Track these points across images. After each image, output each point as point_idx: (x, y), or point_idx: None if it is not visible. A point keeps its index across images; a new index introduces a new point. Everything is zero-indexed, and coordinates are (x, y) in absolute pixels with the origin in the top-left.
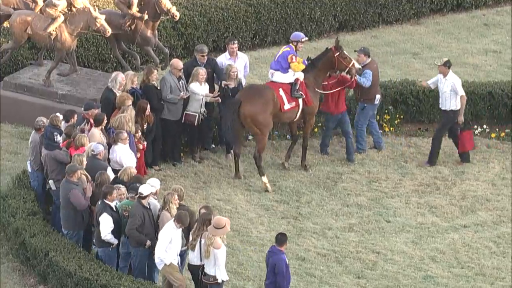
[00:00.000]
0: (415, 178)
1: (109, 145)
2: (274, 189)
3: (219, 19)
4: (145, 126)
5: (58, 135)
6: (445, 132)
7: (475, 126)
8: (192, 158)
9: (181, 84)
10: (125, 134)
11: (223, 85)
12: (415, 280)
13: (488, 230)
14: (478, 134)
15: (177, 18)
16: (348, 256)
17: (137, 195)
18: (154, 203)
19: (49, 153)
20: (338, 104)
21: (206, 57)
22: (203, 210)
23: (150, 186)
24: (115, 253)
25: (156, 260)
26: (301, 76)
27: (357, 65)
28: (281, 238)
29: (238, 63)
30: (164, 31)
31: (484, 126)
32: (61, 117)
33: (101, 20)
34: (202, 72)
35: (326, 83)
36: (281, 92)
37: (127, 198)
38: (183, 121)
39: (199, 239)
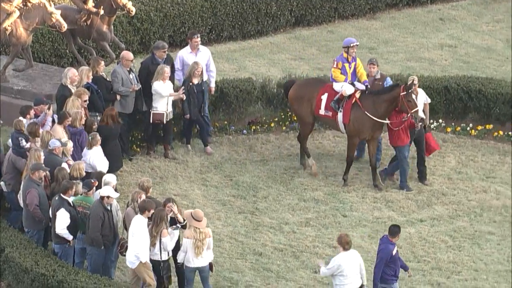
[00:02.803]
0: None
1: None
2: (230, 184)
3: (175, 14)
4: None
5: (24, 140)
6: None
7: (431, 121)
8: (147, 153)
9: (132, 77)
10: (99, 136)
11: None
12: (371, 274)
13: (444, 224)
14: (434, 128)
15: (133, 13)
16: (305, 251)
17: (99, 195)
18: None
19: (12, 155)
20: (407, 135)
21: (166, 53)
22: (167, 203)
23: (110, 188)
24: (71, 249)
25: (130, 258)
26: (347, 90)
27: (421, 114)
28: (393, 230)
29: (200, 57)
30: (120, 26)
31: (440, 121)
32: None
33: (57, 15)
34: (167, 70)
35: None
36: (324, 96)
37: (81, 194)
38: (151, 121)
39: (158, 236)
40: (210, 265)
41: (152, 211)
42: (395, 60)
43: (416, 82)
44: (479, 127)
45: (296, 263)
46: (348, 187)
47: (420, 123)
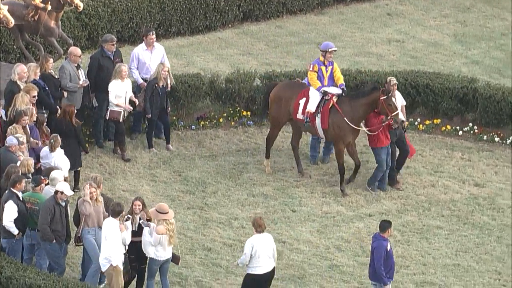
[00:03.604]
0: (320, 168)
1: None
2: (179, 179)
3: (123, 9)
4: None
5: None
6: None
7: None
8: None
9: (80, 72)
10: (59, 138)
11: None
12: (320, 269)
13: (392, 218)
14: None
15: (81, 8)
16: None
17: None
18: (49, 192)
19: None
20: (387, 136)
21: (115, 46)
22: (136, 201)
23: (67, 185)
24: (19, 245)
25: (102, 261)
26: (332, 91)
27: (401, 117)
28: (383, 225)
29: (156, 54)
30: (68, 22)
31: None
32: None
33: (4, 10)
34: (124, 69)
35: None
36: (302, 101)
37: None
38: (108, 118)
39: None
40: (177, 258)
41: (123, 213)
42: (343, 55)
43: (394, 82)
44: (427, 122)
45: None
46: (297, 182)
47: (398, 125)
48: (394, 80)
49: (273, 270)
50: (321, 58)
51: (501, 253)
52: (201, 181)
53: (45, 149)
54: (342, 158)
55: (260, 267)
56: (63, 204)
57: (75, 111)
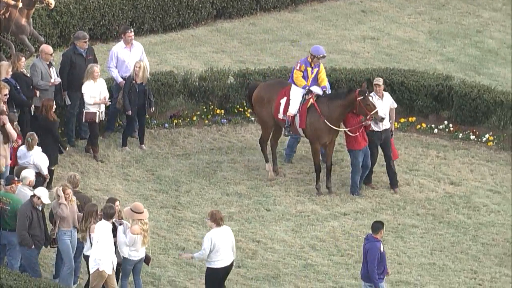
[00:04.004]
0: (294, 166)
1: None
2: (152, 178)
3: (95, 6)
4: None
5: None
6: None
7: None
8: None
9: (51, 70)
10: (36, 136)
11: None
12: (295, 269)
13: (367, 217)
14: None
15: (52, 6)
16: None
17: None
18: (25, 194)
19: None
20: (365, 138)
21: (87, 43)
22: (109, 204)
23: (45, 191)
24: None
25: (91, 262)
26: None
27: (380, 114)
28: (376, 226)
29: (134, 52)
30: (39, 19)
31: None
32: None
33: None
34: (96, 69)
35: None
36: (283, 100)
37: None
38: (84, 120)
39: (88, 232)
40: (148, 258)
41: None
42: None
43: (381, 83)
44: (402, 120)
45: None
46: (271, 180)
47: (378, 122)
48: (381, 81)
49: (232, 263)
50: (309, 59)
51: (476, 252)
52: (175, 180)
53: (22, 148)
54: (318, 157)
55: (220, 261)
56: (40, 208)
57: (54, 106)
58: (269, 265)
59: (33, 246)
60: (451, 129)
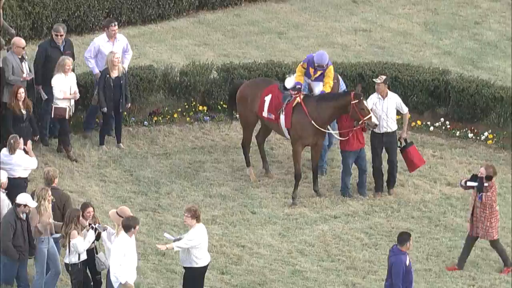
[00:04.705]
0: (281, 167)
1: None
2: (131, 179)
3: None
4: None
5: None
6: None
7: None
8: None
9: (23, 65)
10: (19, 138)
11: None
12: (282, 275)
13: (359, 220)
14: None
15: None
16: (211, 251)
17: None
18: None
19: None
20: (360, 139)
21: (62, 38)
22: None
23: (28, 196)
24: None
25: (112, 278)
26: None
27: (374, 120)
28: (402, 238)
29: (117, 47)
30: (10, 11)
31: None
32: None
33: None
34: (68, 62)
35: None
36: (268, 97)
37: None
38: (52, 116)
39: (68, 238)
40: None
41: (137, 227)
42: (306, 46)
43: (379, 81)
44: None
45: None
46: (257, 181)
47: (371, 128)
48: (382, 79)
49: (209, 263)
50: (313, 67)
51: (475, 257)
52: (154, 181)
53: (4, 151)
54: (299, 161)
55: (203, 259)
56: (24, 216)
57: (23, 95)
58: (255, 272)
59: (18, 257)
60: (448, 126)
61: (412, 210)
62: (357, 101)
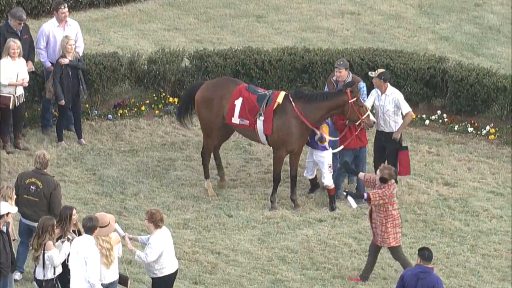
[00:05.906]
0: (261, 165)
1: None
2: (93, 179)
3: None
4: None
5: None
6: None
7: None
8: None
9: None
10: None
11: (60, 63)
12: (262, 285)
13: (347, 224)
14: None
15: None
16: (183, 258)
17: None
18: None
19: None
20: (360, 137)
21: (21, 25)
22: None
23: (5, 203)
24: None
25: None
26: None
27: (372, 118)
28: (429, 255)
29: (69, 32)
30: None
31: None
32: None
33: None
34: (14, 45)
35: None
36: (238, 101)
37: None
38: None
39: (41, 250)
40: (125, 279)
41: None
42: (288, 30)
43: (373, 75)
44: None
45: None
46: (234, 181)
47: (369, 127)
48: (373, 74)
49: (177, 269)
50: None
51: (475, 265)
52: (120, 181)
53: None
54: (280, 165)
55: (169, 266)
56: (4, 228)
57: None
58: (232, 281)
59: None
60: (446, 120)
61: (405, 212)
62: (355, 98)
